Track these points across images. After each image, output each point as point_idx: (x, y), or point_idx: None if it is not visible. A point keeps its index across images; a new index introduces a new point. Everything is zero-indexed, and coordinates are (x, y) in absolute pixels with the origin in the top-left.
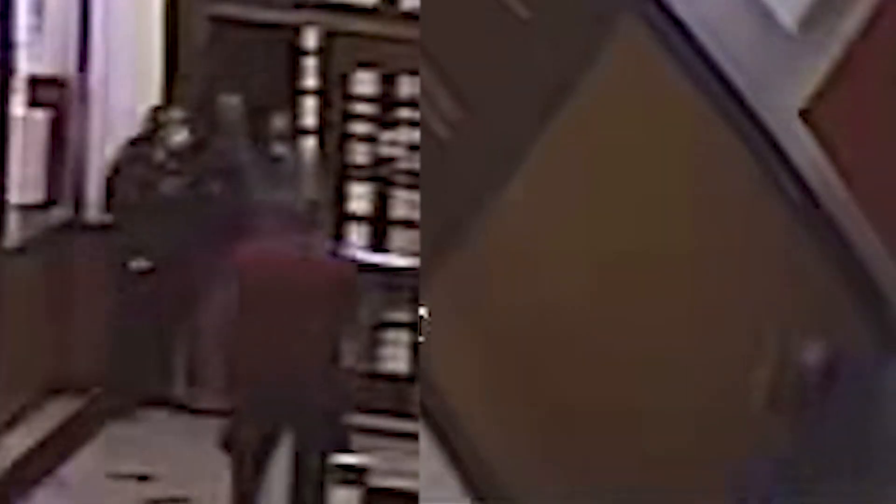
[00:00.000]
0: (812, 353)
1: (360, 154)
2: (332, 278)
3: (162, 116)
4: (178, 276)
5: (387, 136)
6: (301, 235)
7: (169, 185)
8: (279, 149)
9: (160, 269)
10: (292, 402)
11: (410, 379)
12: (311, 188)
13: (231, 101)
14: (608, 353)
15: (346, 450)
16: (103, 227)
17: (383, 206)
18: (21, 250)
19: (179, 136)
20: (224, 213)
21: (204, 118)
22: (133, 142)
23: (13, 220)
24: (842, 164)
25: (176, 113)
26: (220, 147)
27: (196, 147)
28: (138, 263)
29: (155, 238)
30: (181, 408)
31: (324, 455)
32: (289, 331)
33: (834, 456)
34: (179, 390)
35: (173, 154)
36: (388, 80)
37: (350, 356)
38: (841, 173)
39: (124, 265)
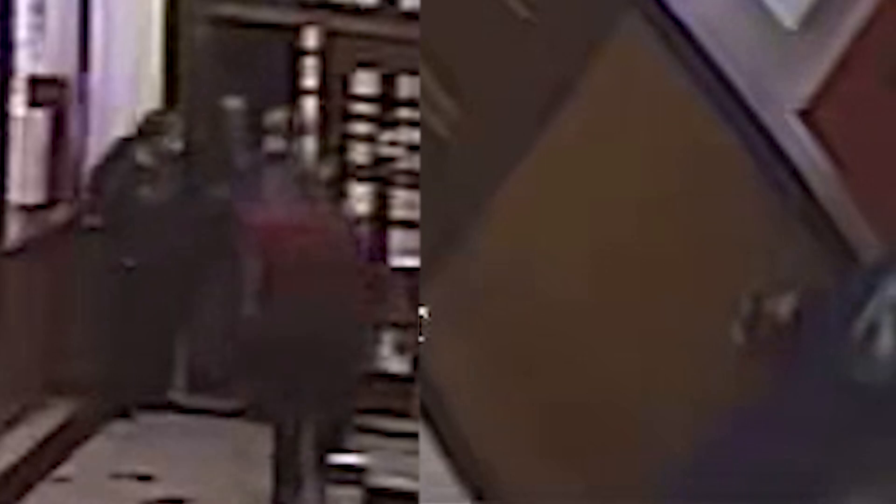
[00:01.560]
0: (785, 302)
1: (360, 154)
2: (350, 245)
3: (160, 121)
4: (172, 278)
5: (387, 136)
6: (314, 205)
7: (155, 189)
8: (277, 144)
9: (152, 271)
10: (317, 365)
11: (410, 379)
12: (322, 164)
13: (233, 105)
14: (607, 352)
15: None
16: (103, 228)
17: (383, 206)
18: (21, 250)
19: (176, 144)
20: (221, 213)
21: (204, 120)
22: (120, 142)
23: (13, 220)
24: (841, 163)
25: (174, 119)
26: (221, 151)
27: (191, 152)
28: (128, 263)
29: (143, 240)
30: (181, 409)
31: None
32: (312, 295)
33: (808, 399)
34: (179, 393)
35: (166, 159)
36: (388, 80)
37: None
38: (840, 173)
39: (116, 266)
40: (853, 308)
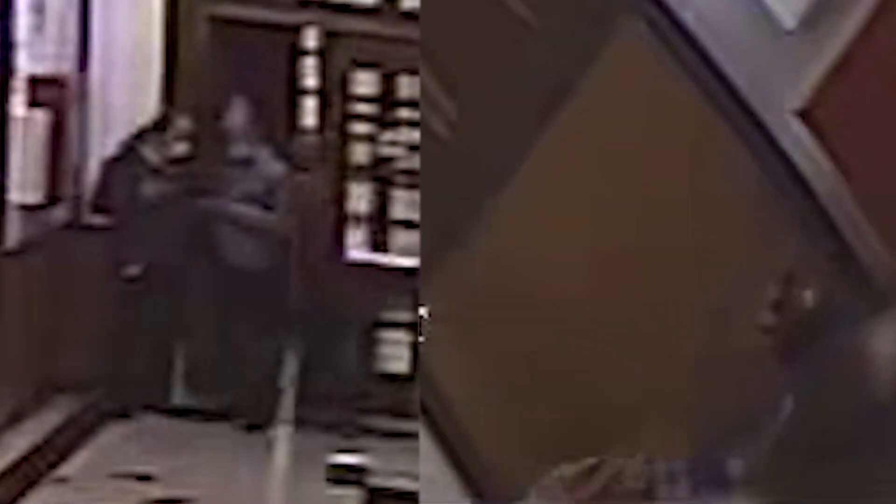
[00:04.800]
0: (810, 292)
1: (360, 154)
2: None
3: (168, 121)
4: (173, 278)
5: (387, 136)
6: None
7: (160, 188)
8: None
9: (154, 270)
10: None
11: (410, 379)
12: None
13: (233, 105)
14: (608, 352)
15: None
16: (103, 228)
17: (383, 206)
18: (21, 250)
19: (181, 147)
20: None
21: (204, 120)
22: (128, 141)
23: (13, 220)
24: (841, 163)
25: (184, 123)
26: (221, 152)
27: (194, 153)
28: (131, 269)
29: (147, 238)
30: (180, 410)
31: None
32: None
33: (827, 404)
34: (178, 393)
35: (171, 159)
36: (388, 80)
37: None
38: (840, 173)
39: (119, 267)
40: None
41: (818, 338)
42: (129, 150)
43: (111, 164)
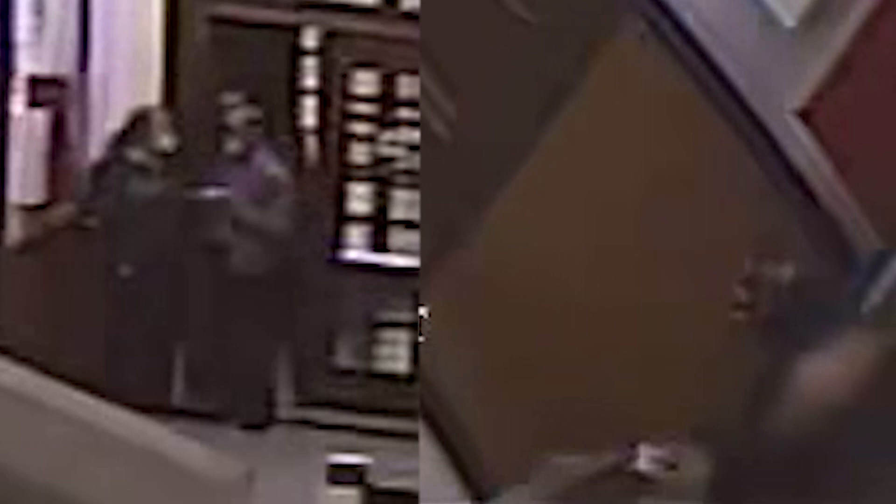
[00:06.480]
0: (786, 269)
1: (360, 154)
2: None
3: (150, 118)
4: (168, 277)
5: (387, 136)
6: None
7: (150, 186)
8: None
9: (148, 270)
10: None
11: (410, 379)
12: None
13: (232, 104)
14: (607, 351)
15: None
16: (100, 228)
17: (383, 206)
18: (21, 250)
19: (167, 141)
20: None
21: (203, 120)
22: (114, 142)
23: (13, 220)
24: (841, 163)
25: (163, 116)
26: (219, 151)
27: (187, 151)
28: (126, 269)
29: (139, 239)
30: (180, 411)
31: None
32: None
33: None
34: (178, 394)
35: (159, 156)
36: (388, 80)
37: None
38: (840, 172)
39: (115, 267)
40: (856, 293)
41: (798, 311)
42: (114, 149)
43: (98, 165)
